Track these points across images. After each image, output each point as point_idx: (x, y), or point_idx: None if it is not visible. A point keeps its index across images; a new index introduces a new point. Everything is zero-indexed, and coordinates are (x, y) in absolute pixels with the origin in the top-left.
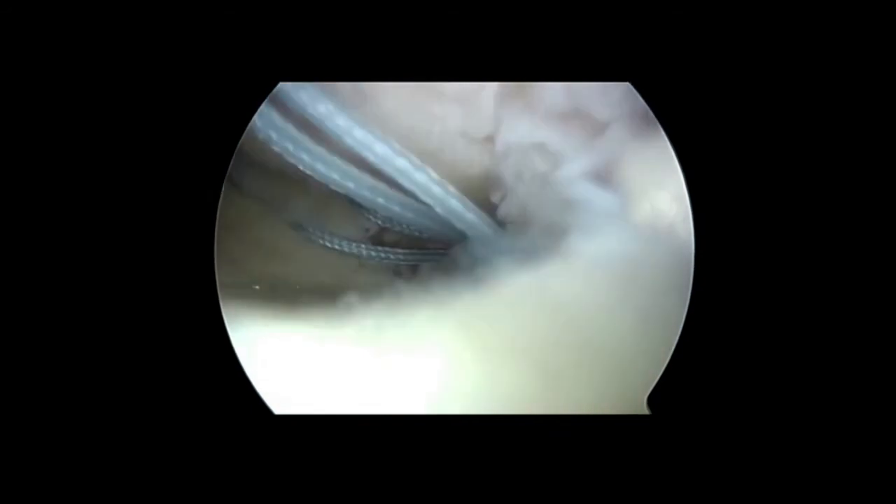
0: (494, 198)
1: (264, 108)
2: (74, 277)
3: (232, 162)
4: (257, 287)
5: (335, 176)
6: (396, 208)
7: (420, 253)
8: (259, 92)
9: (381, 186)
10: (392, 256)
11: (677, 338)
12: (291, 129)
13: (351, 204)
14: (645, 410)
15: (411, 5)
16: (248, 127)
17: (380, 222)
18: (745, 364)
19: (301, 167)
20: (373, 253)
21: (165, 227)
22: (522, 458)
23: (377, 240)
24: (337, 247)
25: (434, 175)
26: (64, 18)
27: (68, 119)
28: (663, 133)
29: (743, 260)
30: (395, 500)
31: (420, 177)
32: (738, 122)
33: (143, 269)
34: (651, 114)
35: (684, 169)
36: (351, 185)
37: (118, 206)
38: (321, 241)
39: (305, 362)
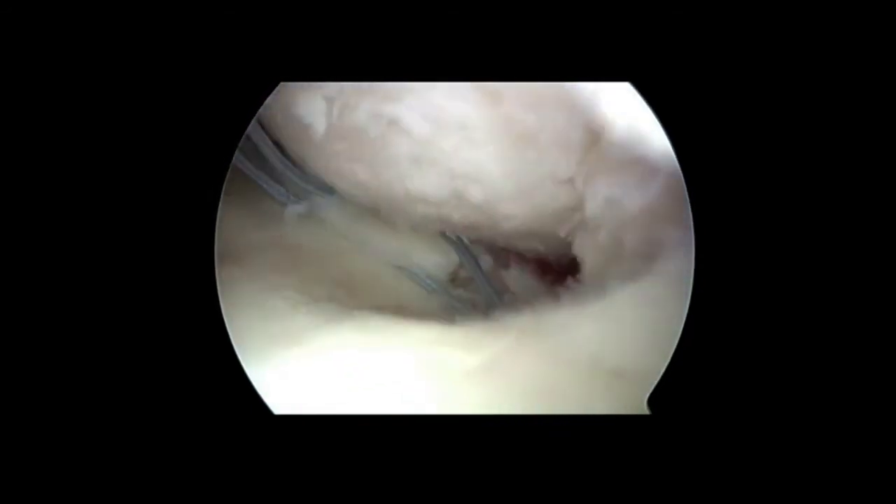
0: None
1: None
2: (75, 278)
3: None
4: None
5: None
6: None
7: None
8: (261, 92)
9: None
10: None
11: (678, 338)
12: None
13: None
14: (645, 410)
15: (411, 5)
16: None
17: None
18: (746, 364)
19: None
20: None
21: (166, 228)
22: (522, 458)
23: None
24: (424, 284)
25: None
26: (65, 18)
27: (68, 119)
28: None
29: (743, 260)
30: (395, 500)
31: None
32: (738, 121)
33: (142, 270)
34: None
35: (684, 169)
36: None
37: (119, 207)
38: (409, 273)
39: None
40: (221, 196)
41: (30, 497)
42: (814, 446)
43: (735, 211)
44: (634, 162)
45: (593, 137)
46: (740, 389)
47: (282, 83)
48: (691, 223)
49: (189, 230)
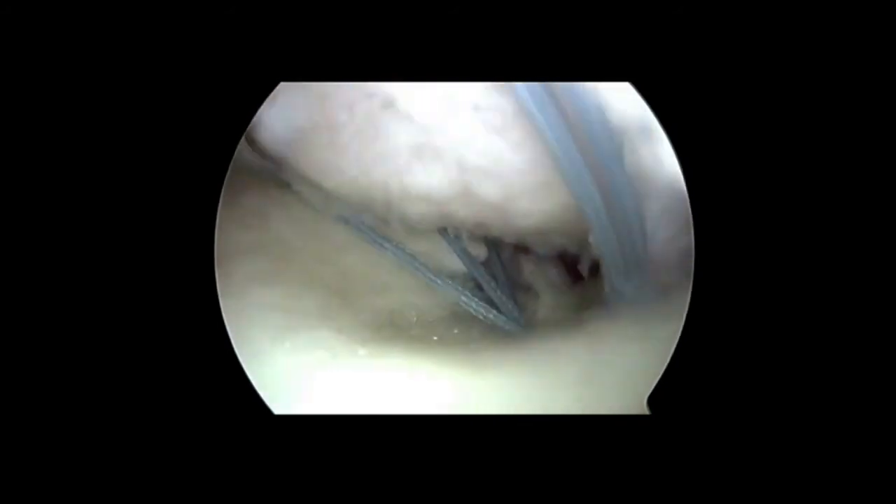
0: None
1: None
2: (75, 279)
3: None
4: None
5: None
6: None
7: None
8: (260, 92)
9: None
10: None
11: (677, 338)
12: None
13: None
14: (645, 410)
15: (411, 6)
16: None
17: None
18: (745, 364)
19: None
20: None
21: (166, 228)
22: (523, 458)
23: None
24: (439, 282)
25: None
26: (64, 18)
27: (68, 119)
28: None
29: (743, 260)
30: (395, 500)
31: None
32: (738, 121)
33: (143, 270)
34: None
35: (684, 169)
36: None
37: (119, 207)
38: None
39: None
40: (221, 196)
41: (30, 497)
42: (813, 446)
43: (735, 211)
44: None
45: None
46: (740, 389)
47: (282, 83)
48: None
49: (189, 230)
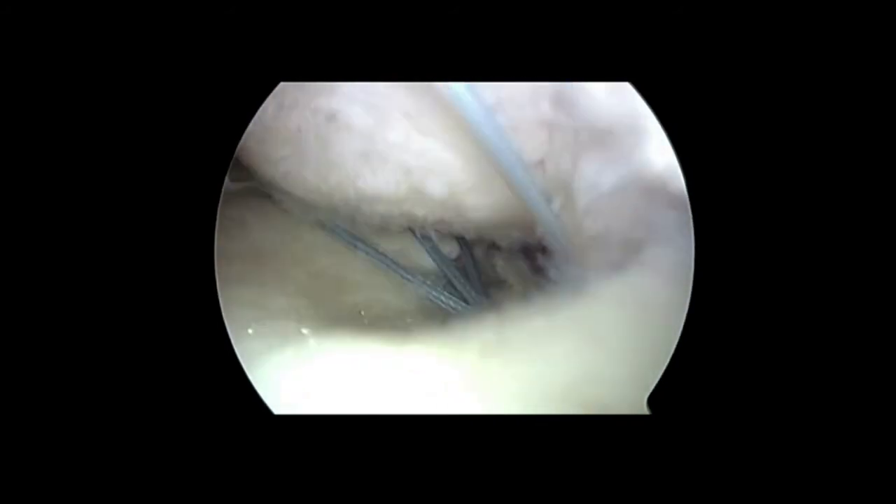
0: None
1: None
2: (75, 279)
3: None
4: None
5: None
6: None
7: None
8: (260, 92)
9: None
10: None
11: (678, 338)
12: None
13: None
14: (645, 410)
15: (411, 5)
16: None
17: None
18: (746, 364)
19: None
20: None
21: (166, 228)
22: (522, 458)
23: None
24: (410, 278)
25: None
26: (64, 18)
27: (68, 119)
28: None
29: (743, 260)
30: (395, 500)
31: None
32: (738, 121)
33: (143, 270)
34: None
35: (683, 169)
36: None
37: (118, 206)
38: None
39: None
40: (221, 195)
41: (30, 497)
42: (813, 446)
43: (736, 212)
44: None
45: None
46: (740, 389)
47: (282, 83)
48: (688, 203)
49: (189, 230)
